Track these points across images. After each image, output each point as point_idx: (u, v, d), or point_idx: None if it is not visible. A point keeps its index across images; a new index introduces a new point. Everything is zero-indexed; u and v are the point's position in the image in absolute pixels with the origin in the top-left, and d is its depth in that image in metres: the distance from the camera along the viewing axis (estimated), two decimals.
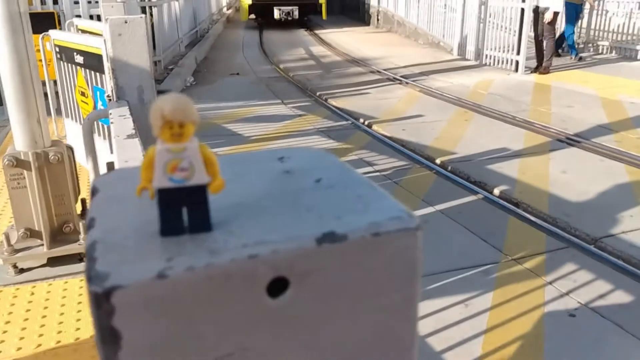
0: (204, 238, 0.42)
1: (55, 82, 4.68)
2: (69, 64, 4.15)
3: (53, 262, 3.04)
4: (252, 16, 17.99)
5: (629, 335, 2.64)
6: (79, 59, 3.85)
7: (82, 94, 4.10)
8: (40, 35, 4.24)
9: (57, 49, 4.24)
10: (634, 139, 5.67)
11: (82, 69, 3.94)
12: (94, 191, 0.51)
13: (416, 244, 0.43)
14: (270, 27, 17.42)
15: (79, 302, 2.77)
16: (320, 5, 17.61)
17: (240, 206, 0.47)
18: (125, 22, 2.52)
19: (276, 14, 17.47)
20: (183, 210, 0.44)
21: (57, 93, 4.71)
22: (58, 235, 3.08)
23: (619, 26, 10.92)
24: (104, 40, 2.96)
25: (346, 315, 0.42)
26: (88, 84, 3.94)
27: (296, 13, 17.50)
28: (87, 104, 4.10)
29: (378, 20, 17.92)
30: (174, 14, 10.75)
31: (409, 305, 0.44)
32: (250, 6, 17.55)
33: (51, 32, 4.32)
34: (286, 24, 17.66)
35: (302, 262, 0.40)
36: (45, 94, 6.73)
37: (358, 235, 0.41)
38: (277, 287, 0.40)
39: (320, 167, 0.55)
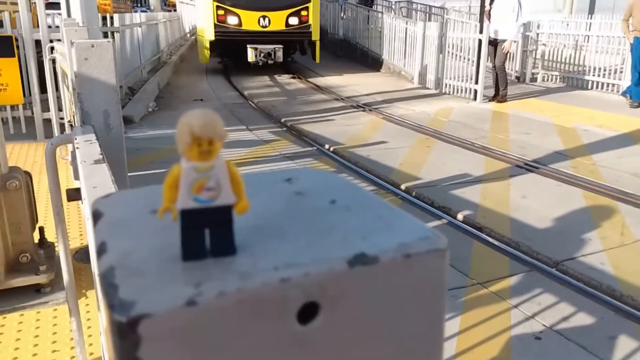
0: (230, 262, 0.40)
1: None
2: None
3: (8, 293, 2.90)
4: (216, 57, 13.05)
5: (593, 356, 2.69)
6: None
7: None
8: None
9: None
10: (589, 164, 5.89)
11: None
12: (97, 215, 0.48)
13: (444, 265, 0.42)
14: (242, 71, 12.78)
15: (36, 336, 2.64)
16: (314, 42, 12.64)
17: (258, 228, 0.45)
18: (93, 46, 2.48)
19: (250, 54, 12.13)
20: (206, 232, 0.42)
21: None
22: (14, 265, 2.94)
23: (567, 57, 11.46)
24: (69, 65, 2.90)
25: (373, 339, 0.41)
26: None
27: (279, 54, 12.21)
28: None
29: (340, 50, 16.92)
30: (136, 39, 10.65)
31: (435, 327, 0.43)
32: (212, 43, 12.16)
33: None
34: (263, 68, 12.79)
35: (333, 286, 0.38)
36: (4, 119, 6.51)
37: (389, 256, 0.40)
38: (306, 312, 0.38)
39: (332, 187, 0.54)
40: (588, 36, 11.06)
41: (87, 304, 2.93)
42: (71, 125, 3.82)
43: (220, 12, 11.92)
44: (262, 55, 12.06)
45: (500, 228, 4.24)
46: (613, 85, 10.29)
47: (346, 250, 0.41)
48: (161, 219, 0.43)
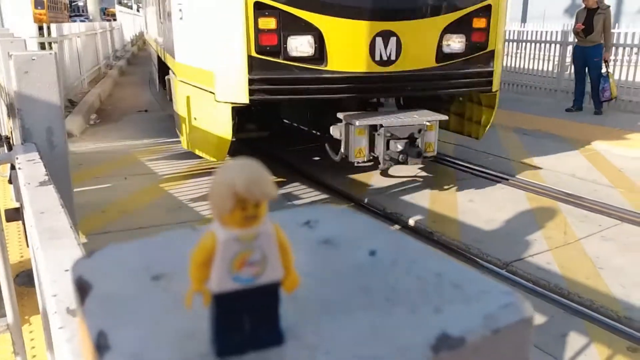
0: (279, 356, 0.32)
1: None
2: None
3: None
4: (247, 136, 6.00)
5: (548, 355, 2.78)
6: None
7: None
8: None
9: None
10: (530, 167, 6.12)
11: None
12: (83, 286, 0.38)
13: (531, 335, 0.36)
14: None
15: None
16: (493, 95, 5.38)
17: (296, 299, 0.36)
18: (33, 59, 2.37)
19: (357, 144, 4.90)
20: (244, 317, 0.33)
21: None
22: None
23: None
24: (5, 78, 2.76)
25: None
26: None
27: (432, 140, 5.05)
28: None
29: None
30: (75, 50, 10.29)
31: None
32: (242, 112, 5.05)
33: None
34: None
35: None
36: None
37: (477, 335, 0.33)
38: None
39: (361, 232, 0.46)
40: (520, 42, 11.53)
41: (31, 331, 2.78)
42: (8, 141, 3.63)
43: (266, 22, 4.58)
44: (387, 146, 4.86)
45: (450, 232, 4.34)
46: (548, 89, 10.74)
47: (423, 330, 0.33)
48: (188, 307, 0.33)
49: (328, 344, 0.33)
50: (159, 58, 8.37)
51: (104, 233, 4.10)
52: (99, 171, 5.74)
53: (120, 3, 26.47)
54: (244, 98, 4.62)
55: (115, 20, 24.60)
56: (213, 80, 4.73)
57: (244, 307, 0.33)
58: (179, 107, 5.54)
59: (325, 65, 4.68)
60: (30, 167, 2.08)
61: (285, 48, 4.60)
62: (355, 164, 4.99)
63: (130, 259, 0.39)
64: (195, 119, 5.16)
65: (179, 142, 6.46)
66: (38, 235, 1.26)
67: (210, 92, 4.80)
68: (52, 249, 1.26)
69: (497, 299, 0.37)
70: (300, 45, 4.62)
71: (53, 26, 8.79)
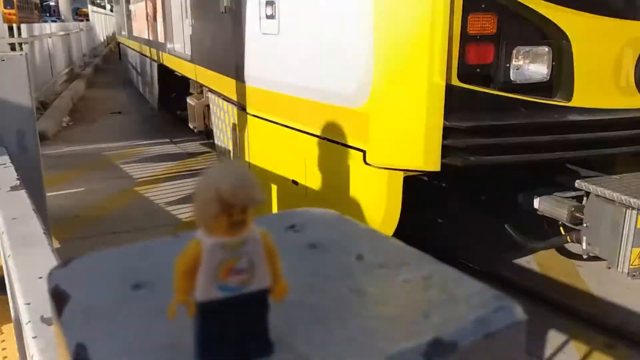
0: None
1: None
2: None
3: None
4: None
5: (528, 354, 2.80)
6: None
7: None
8: None
9: None
10: None
11: None
12: (59, 296, 0.36)
13: (524, 339, 0.35)
14: None
15: None
16: None
17: (283, 306, 0.34)
18: (3, 60, 2.31)
19: None
20: (231, 328, 0.31)
21: None
22: None
23: None
24: None
25: None
26: None
27: None
28: None
29: None
30: (47, 51, 10.10)
31: None
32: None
33: None
34: None
35: None
36: None
37: (469, 340, 0.32)
38: None
39: (347, 236, 0.45)
40: None
41: (3, 340, 2.70)
42: None
43: (482, 22, 2.52)
44: None
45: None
46: None
47: (414, 336, 0.32)
48: (171, 319, 0.31)
49: (318, 352, 0.31)
50: (160, 67, 7.16)
51: (79, 238, 4.01)
52: (72, 174, 5.63)
53: (93, 3, 26.06)
54: (430, 161, 2.51)
55: (88, 20, 24.24)
56: (358, 127, 2.63)
57: (231, 317, 0.31)
58: (257, 158, 3.46)
59: (569, 99, 2.71)
60: (1, 171, 2.03)
61: (508, 69, 2.60)
62: (631, 277, 2.71)
63: (109, 267, 0.37)
64: (306, 189, 3.00)
65: (156, 144, 6.34)
66: (10, 242, 1.23)
67: (351, 147, 2.68)
68: (25, 256, 1.22)
69: (488, 302, 0.36)
70: (532, 65, 2.67)
71: (23, 26, 8.62)
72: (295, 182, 3.04)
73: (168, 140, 7.29)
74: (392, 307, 0.36)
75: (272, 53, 3.21)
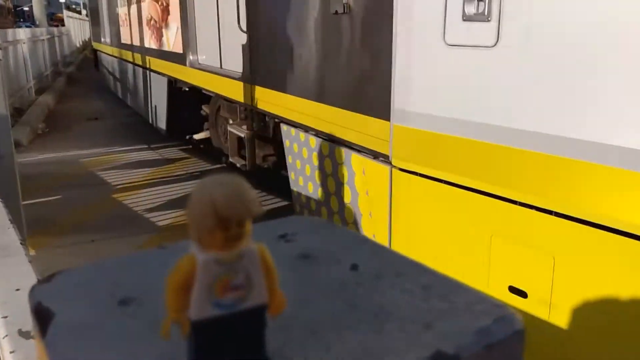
0: None
1: None
2: None
3: None
4: None
5: None
6: None
7: None
8: None
9: None
10: None
11: None
12: (43, 314, 0.33)
13: (523, 349, 0.34)
14: None
15: None
16: None
17: (279, 320, 0.33)
18: None
19: None
20: (227, 345, 0.30)
21: None
22: None
23: None
24: None
25: None
26: None
27: None
28: None
29: None
30: (21, 57, 9.92)
31: None
32: None
33: None
34: None
35: None
36: None
37: (471, 351, 0.32)
38: None
39: (340, 245, 0.44)
40: None
41: None
42: None
43: None
44: None
45: None
46: None
47: (416, 349, 0.31)
48: (167, 339, 0.30)
49: None
50: (171, 83, 6.17)
51: (56, 247, 3.93)
52: (49, 182, 5.53)
53: (68, 8, 25.68)
54: None
55: (63, 26, 23.89)
56: None
57: (227, 335, 0.29)
58: (413, 236, 2.35)
59: None
60: None
61: None
62: None
63: (94, 282, 0.35)
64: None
65: (134, 150, 6.18)
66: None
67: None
68: (1, 267, 1.19)
69: (489, 312, 0.36)
70: None
71: None
72: (514, 290, 1.87)
73: (146, 146, 7.21)
74: (391, 319, 0.35)
75: (470, 77, 2.01)
